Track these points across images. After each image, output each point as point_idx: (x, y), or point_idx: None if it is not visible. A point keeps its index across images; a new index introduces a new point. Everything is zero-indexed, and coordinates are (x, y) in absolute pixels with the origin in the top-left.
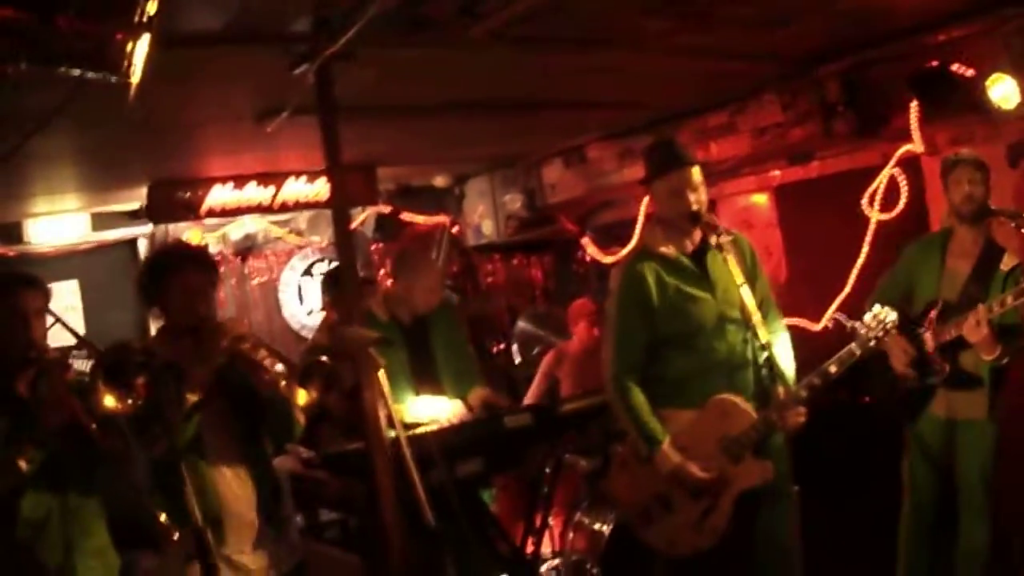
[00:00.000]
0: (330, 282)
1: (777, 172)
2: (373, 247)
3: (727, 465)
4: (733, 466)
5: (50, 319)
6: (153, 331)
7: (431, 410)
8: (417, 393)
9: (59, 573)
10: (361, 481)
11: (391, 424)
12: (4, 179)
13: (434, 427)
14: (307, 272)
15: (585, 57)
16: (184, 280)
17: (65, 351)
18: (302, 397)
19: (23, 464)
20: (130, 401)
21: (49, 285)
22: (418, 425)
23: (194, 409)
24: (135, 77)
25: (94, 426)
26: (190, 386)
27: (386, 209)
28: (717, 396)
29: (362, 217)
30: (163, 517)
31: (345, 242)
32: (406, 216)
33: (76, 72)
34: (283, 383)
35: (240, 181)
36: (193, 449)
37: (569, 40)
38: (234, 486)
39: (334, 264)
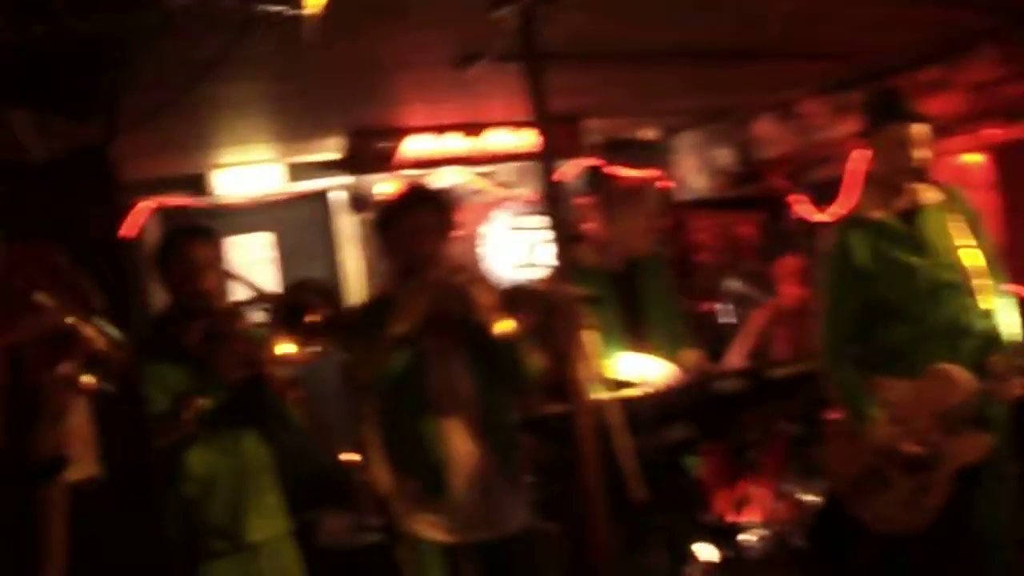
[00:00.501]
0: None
1: (995, 131)
2: (581, 201)
3: (944, 439)
4: (950, 440)
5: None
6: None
7: (641, 370)
8: (627, 348)
9: (224, 533)
10: (563, 446)
11: (598, 385)
12: (189, 129)
13: (644, 390)
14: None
15: (794, 2)
16: (415, 220)
17: (244, 303)
18: (507, 326)
19: (188, 417)
20: (309, 347)
21: (241, 237)
22: (626, 385)
23: (399, 343)
24: (312, 7)
25: (274, 376)
26: (396, 318)
27: (594, 162)
28: (935, 365)
29: (569, 170)
30: (360, 473)
31: (554, 195)
32: (614, 169)
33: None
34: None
35: (440, 131)
36: (406, 389)
37: None
38: (459, 431)
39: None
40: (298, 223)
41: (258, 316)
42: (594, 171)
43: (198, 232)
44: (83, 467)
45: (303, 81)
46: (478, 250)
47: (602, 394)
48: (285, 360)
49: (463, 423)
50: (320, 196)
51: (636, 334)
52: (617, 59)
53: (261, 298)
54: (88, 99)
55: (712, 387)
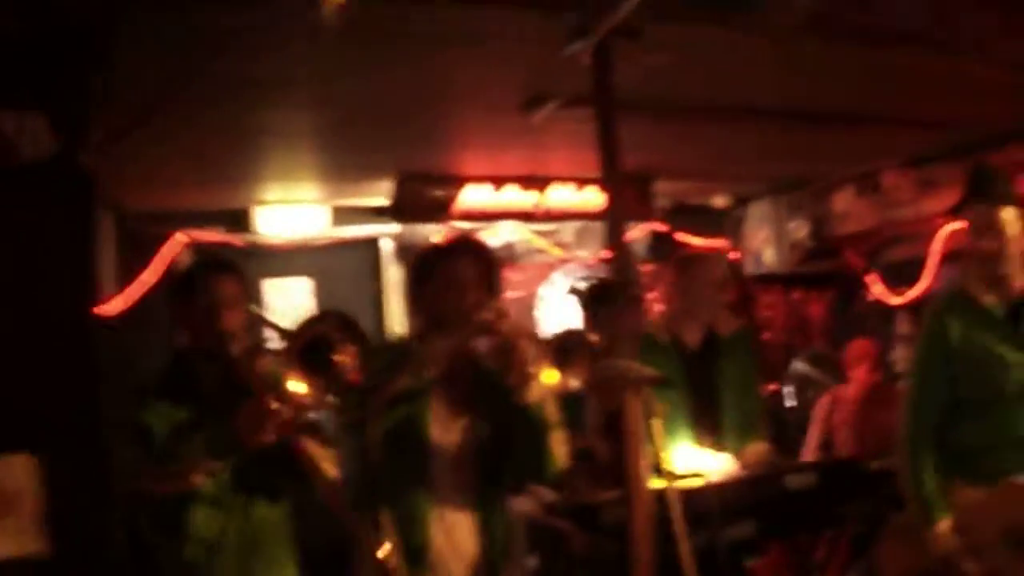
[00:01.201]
0: (592, 296)
1: None
2: (644, 268)
3: (1009, 560)
4: (1015, 562)
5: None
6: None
7: (698, 463)
8: (692, 435)
9: None
10: (613, 540)
11: (658, 474)
12: (234, 158)
13: (706, 481)
14: (572, 291)
15: (884, 54)
16: (454, 271)
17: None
18: (552, 377)
19: (196, 478)
20: (326, 385)
21: (280, 280)
22: (686, 476)
23: (406, 397)
24: None
25: (297, 437)
26: (411, 369)
27: (661, 227)
28: (1010, 478)
29: (634, 234)
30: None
31: (621, 257)
32: (681, 237)
33: None
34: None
35: (499, 182)
36: (403, 453)
37: (874, 34)
38: (452, 513)
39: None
40: (341, 270)
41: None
42: (660, 237)
43: (223, 267)
44: None
45: (354, 110)
46: (534, 313)
47: (661, 484)
48: (297, 401)
49: (461, 511)
50: (367, 243)
51: (704, 417)
52: (693, 113)
53: (281, 336)
54: (74, 100)
55: (782, 482)
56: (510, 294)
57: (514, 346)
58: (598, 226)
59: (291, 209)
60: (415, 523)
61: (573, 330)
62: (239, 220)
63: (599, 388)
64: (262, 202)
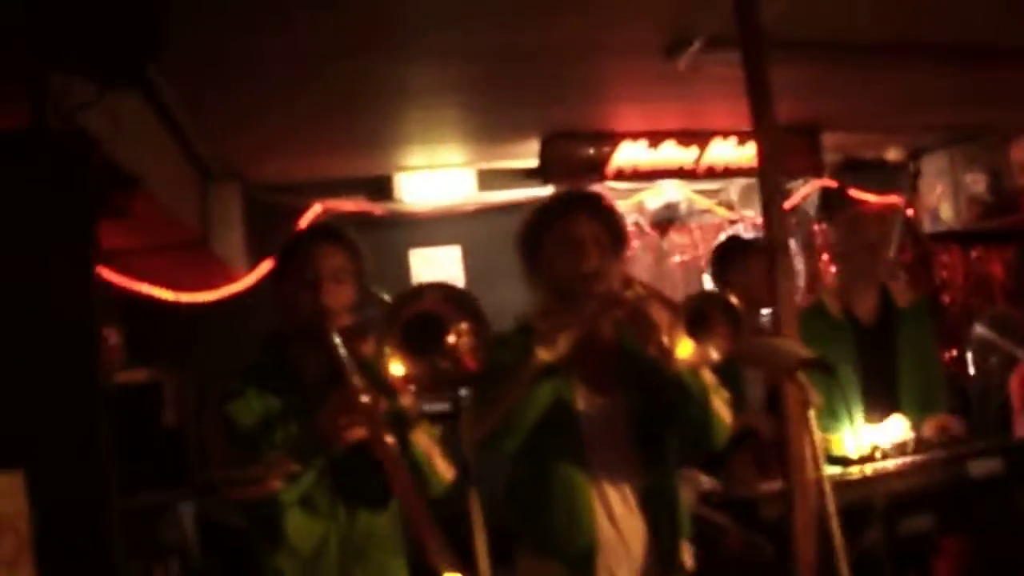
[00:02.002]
0: (723, 257)
1: None
2: (816, 227)
3: None
4: None
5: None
6: None
7: (872, 436)
8: (866, 414)
9: None
10: (771, 542)
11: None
12: (371, 120)
13: (875, 469)
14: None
15: None
16: (570, 229)
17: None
18: (686, 349)
19: (272, 483)
20: (433, 372)
21: (425, 250)
22: (855, 462)
23: (544, 373)
24: None
25: (388, 439)
26: (540, 343)
27: (831, 183)
28: None
29: (803, 191)
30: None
31: (775, 216)
32: (854, 193)
33: None
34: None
35: (656, 138)
36: (547, 442)
37: None
38: (617, 505)
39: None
40: (491, 238)
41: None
42: (831, 194)
43: (329, 235)
44: None
45: (496, 65)
46: (703, 276)
47: (827, 473)
48: (401, 386)
49: (623, 491)
50: (519, 209)
51: (879, 394)
52: (857, 53)
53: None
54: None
55: (964, 469)
56: (676, 257)
57: (645, 316)
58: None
59: (435, 174)
60: (579, 520)
61: (708, 292)
62: (381, 188)
63: (753, 362)
64: (404, 168)
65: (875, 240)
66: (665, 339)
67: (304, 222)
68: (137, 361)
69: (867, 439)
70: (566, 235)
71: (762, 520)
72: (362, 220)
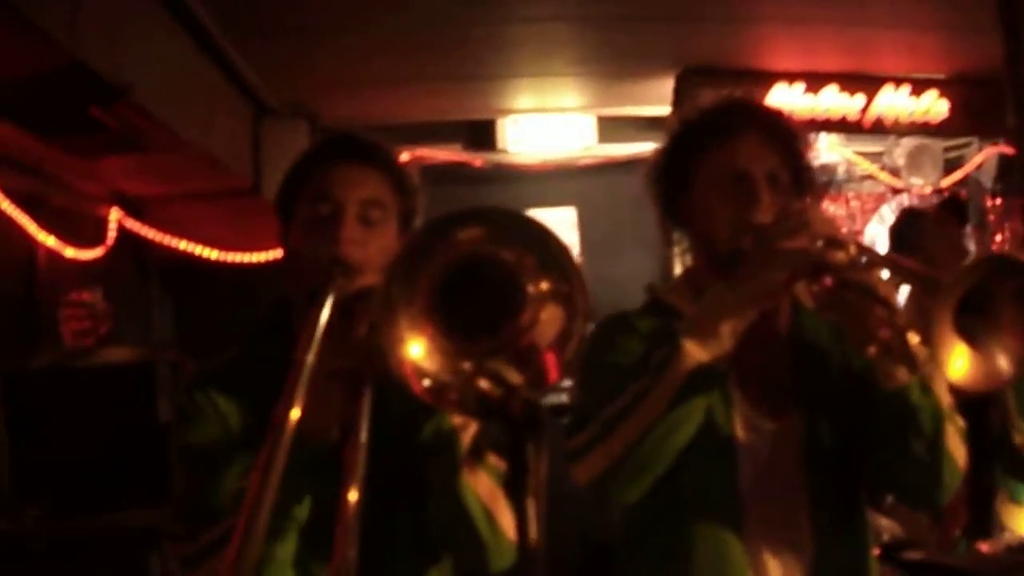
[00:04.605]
0: (908, 224)
1: None
2: (991, 203)
3: None
4: None
5: None
6: None
7: None
8: None
9: None
10: None
11: None
12: (472, 46)
13: None
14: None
15: None
16: (736, 157)
17: None
18: (958, 358)
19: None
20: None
21: (535, 211)
22: None
23: (696, 382)
24: None
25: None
26: (693, 329)
27: (1009, 150)
28: None
29: (978, 158)
30: None
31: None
32: None
33: None
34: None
35: (815, 81)
36: (692, 483)
37: None
38: (774, 565)
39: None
40: (613, 198)
41: None
42: (1012, 162)
43: (358, 151)
44: None
45: None
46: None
47: None
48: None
49: (788, 565)
50: (646, 165)
51: None
52: None
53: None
54: None
55: None
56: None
57: (865, 295)
58: (937, 147)
59: (547, 119)
60: None
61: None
62: (482, 135)
63: None
64: (509, 111)
65: None
66: (896, 336)
67: None
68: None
69: None
70: (727, 167)
71: None
72: (458, 173)
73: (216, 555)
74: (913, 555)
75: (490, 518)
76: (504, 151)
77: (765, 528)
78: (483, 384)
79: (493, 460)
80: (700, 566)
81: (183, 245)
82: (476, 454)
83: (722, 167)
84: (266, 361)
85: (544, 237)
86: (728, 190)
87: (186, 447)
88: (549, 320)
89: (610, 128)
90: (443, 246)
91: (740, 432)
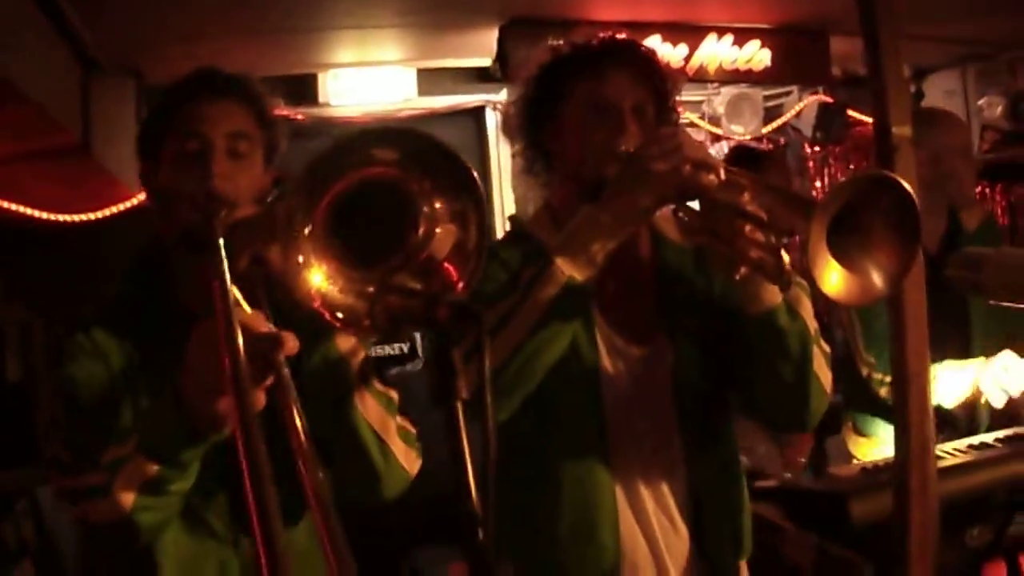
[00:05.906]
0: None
1: None
2: (810, 150)
3: None
4: None
5: None
6: None
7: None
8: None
9: None
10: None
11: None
12: (296, 5)
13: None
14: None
15: None
16: (601, 88)
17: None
18: (831, 275)
19: (123, 496)
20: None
21: None
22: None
23: (563, 304)
24: None
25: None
26: (564, 248)
27: (829, 100)
28: None
29: (799, 106)
30: None
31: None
32: (853, 114)
33: None
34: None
35: (638, 31)
36: (558, 404)
37: None
38: (651, 512)
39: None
40: None
41: None
42: (830, 113)
43: (222, 85)
44: None
45: None
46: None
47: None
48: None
49: (660, 491)
50: (468, 115)
51: (948, 331)
52: None
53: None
54: None
55: None
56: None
57: (737, 213)
58: (757, 96)
59: (368, 73)
60: (596, 532)
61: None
62: (303, 89)
63: None
64: (330, 64)
65: (958, 148)
66: (770, 254)
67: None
68: None
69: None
70: (596, 97)
71: (852, 523)
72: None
73: (93, 500)
74: (765, 483)
75: (382, 445)
76: (326, 105)
77: (634, 451)
78: (393, 300)
79: (379, 386)
80: (566, 490)
81: (11, 206)
82: (364, 380)
83: (591, 97)
84: (145, 302)
85: (439, 153)
86: (596, 118)
87: (69, 378)
88: (445, 235)
89: (430, 80)
90: (337, 173)
91: (604, 358)
